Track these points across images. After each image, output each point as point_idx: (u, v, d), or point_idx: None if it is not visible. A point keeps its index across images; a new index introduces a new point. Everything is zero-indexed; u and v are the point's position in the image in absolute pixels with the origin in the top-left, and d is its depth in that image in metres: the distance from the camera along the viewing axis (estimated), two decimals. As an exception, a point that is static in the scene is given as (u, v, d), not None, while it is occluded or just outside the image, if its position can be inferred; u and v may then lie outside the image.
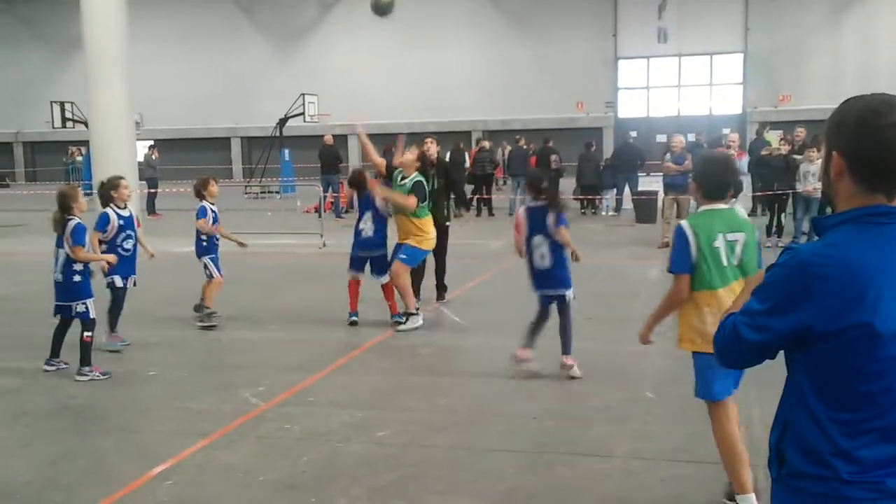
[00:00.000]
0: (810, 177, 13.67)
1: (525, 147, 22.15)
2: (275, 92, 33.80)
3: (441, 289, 9.83)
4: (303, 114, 28.93)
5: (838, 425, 2.01)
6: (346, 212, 20.30)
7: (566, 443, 5.54)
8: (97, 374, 7.02)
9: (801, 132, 15.93)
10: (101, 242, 7.76)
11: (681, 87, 34.38)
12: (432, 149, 9.58)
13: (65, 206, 7.13)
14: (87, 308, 7.09)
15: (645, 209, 17.38)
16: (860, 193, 2.00)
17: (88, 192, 19.15)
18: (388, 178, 8.91)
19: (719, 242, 4.26)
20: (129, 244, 7.91)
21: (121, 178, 8.10)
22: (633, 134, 22.50)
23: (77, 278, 7.10)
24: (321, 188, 21.67)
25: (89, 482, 5.04)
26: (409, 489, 4.85)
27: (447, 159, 22.28)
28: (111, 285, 7.83)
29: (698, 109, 33.95)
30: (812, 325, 1.97)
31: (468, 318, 9.01)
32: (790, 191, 14.32)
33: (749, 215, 17.65)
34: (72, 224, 7.05)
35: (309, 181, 27.48)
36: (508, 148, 23.38)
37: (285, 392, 6.62)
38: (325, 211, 19.91)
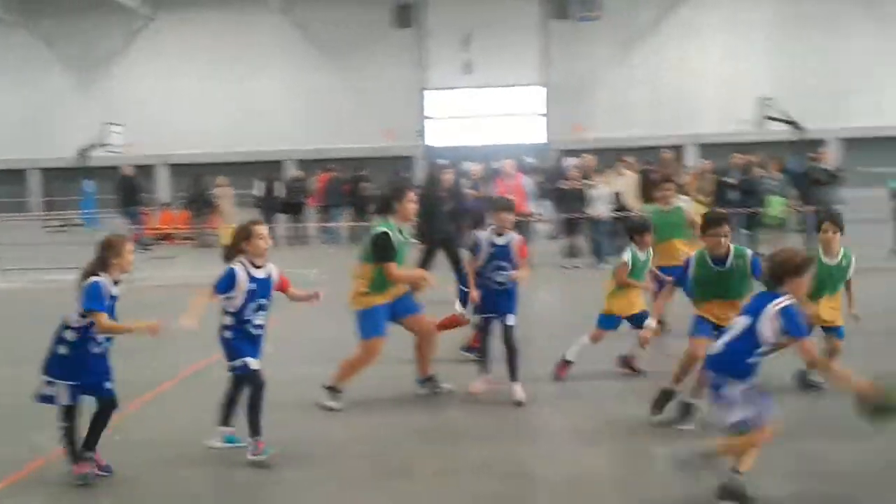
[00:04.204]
0: (598, 203, 14.66)
1: (340, 176, 22.48)
2: (78, 122, 32.34)
3: None
4: (107, 144, 27.91)
5: None
6: (152, 243, 19.81)
7: (384, 467, 5.74)
8: None
9: (590, 160, 16.99)
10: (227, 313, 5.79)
11: (487, 118, 35.63)
12: None
13: None
14: None
15: (454, 234, 18.02)
16: None
17: None
18: None
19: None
20: (260, 319, 5.87)
21: (257, 221, 6.17)
22: (444, 162, 23.08)
23: None
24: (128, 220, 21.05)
25: None
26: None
27: (262, 190, 22.22)
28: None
29: (505, 139, 35.27)
30: None
31: (286, 349, 8.60)
32: (582, 215, 15.35)
33: (552, 238, 18.77)
34: None
35: (116, 212, 26.47)
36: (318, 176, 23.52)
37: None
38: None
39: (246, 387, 5.82)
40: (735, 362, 4.73)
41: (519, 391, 7.01)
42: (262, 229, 5.96)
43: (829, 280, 6.82)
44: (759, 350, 4.70)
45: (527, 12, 33.69)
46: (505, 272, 7.08)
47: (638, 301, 7.77)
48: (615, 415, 6.72)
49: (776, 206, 15.51)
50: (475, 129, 35.18)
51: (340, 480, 5.54)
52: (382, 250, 6.86)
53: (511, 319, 7.11)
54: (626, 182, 16.41)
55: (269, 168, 26.15)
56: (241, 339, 5.77)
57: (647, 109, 32.10)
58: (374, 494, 5.30)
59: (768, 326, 4.63)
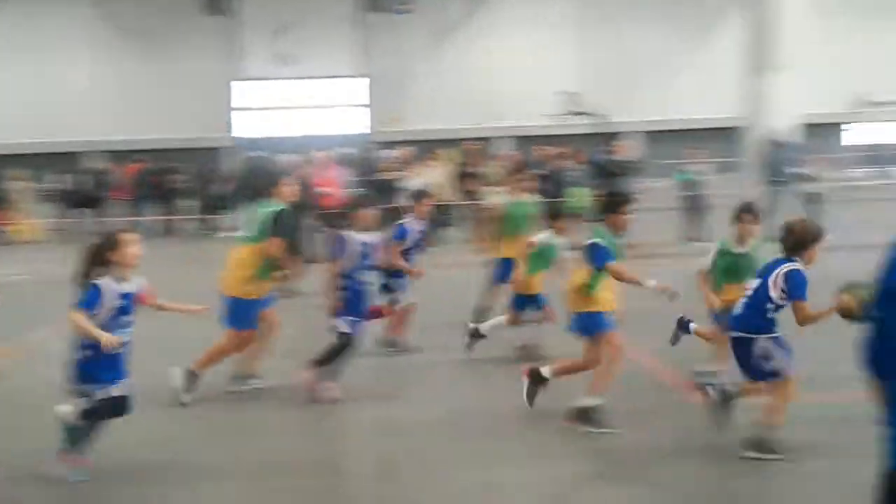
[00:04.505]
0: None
1: (150, 168, 21.89)
2: None
3: None
4: None
5: None
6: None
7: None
8: None
9: (407, 152, 17.25)
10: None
11: (306, 109, 35.22)
12: None
13: None
14: None
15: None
16: None
17: None
18: None
19: None
20: (124, 336, 5.21)
21: (124, 229, 5.60)
22: (258, 154, 22.70)
23: None
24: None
25: None
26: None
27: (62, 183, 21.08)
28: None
29: (324, 130, 35.00)
30: None
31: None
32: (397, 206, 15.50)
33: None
34: None
35: None
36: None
37: None
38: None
39: (99, 411, 5.21)
40: (755, 317, 5.32)
41: (334, 389, 6.86)
42: (132, 236, 5.34)
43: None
44: (771, 306, 5.28)
45: (343, 3, 33.65)
46: (370, 271, 7.09)
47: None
48: (436, 405, 6.78)
49: (579, 196, 16.23)
50: (292, 121, 34.80)
51: (153, 482, 5.38)
52: (283, 224, 6.94)
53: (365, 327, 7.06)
54: (436, 174, 16.73)
55: (71, 160, 24.80)
56: (97, 361, 5.08)
57: (460, 101, 32.75)
58: (188, 494, 5.21)
59: (774, 287, 5.24)
